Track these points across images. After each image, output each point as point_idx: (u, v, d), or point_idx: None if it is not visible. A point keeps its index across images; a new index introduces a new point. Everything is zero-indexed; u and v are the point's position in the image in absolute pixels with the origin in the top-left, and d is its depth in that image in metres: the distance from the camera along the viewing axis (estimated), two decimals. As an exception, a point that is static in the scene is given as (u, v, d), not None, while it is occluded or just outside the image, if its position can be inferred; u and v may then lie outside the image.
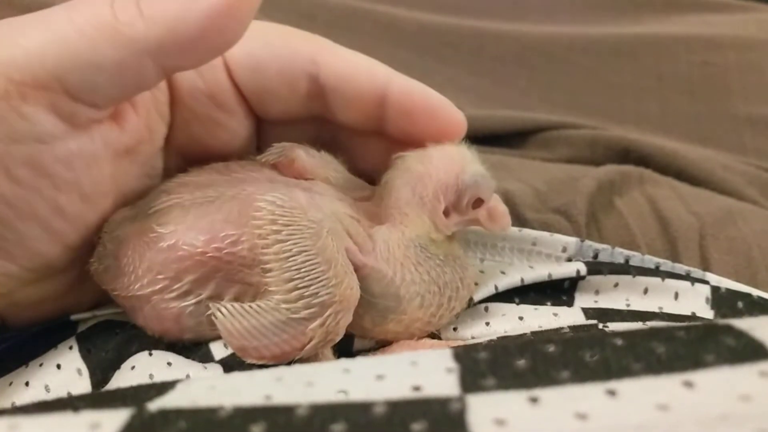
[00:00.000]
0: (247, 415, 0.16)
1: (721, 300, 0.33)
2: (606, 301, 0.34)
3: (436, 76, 0.69)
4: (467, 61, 0.72)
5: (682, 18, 0.80)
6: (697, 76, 0.70)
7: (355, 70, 0.32)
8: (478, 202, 0.31)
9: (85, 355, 0.30)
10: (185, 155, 0.33)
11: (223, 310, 0.27)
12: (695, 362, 0.16)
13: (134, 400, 0.17)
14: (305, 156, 0.31)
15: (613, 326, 0.30)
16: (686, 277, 0.34)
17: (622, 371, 0.16)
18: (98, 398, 0.18)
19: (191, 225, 0.28)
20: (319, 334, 0.26)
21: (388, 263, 0.29)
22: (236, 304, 0.27)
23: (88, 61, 0.25)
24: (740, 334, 0.17)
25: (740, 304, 0.33)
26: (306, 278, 0.26)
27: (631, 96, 0.69)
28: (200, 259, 0.27)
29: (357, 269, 0.28)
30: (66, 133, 0.26)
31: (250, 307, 0.27)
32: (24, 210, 0.27)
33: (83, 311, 0.32)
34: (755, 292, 0.34)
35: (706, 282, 0.34)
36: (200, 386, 0.18)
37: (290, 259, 0.26)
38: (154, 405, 0.16)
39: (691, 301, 0.33)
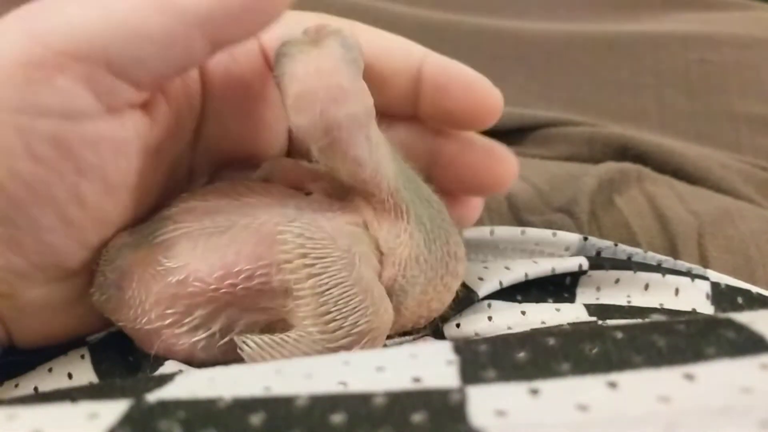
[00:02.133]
0: (246, 405, 0.16)
1: (721, 295, 0.34)
2: (607, 298, 0.34)
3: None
4: (465, 58, 0.71)
5: (679, 16, 0.80)
6: (695, 74, 0.70)
7: (392, 48, 0.31)
8: None
9: (98, 368, 0.29)
10: (214, 157, 0.31)
11: (251, 343, 0.26)
12: (696, 355, 0.16)
13: (133, 391, 0.17)
14: (295, 165, 0.30)
15: (613, 323, 0.30)
16: (687, 273, 0.34)
17: (623, 364, 0.16)
18: (96, 389, 0.18)
19: (202, 259, 0.26)
20: None
21: (395, 267, 0.28)
22: (265, 337, 0.26)
23: (137, 30, 0.23)
24: (740, 328, 0.17)
25: (740, 300, 0.33)
26: (344, 310, 0.25)
27: (628, 93, 0.69)
28: (212, 295, 0.26)
29: None
30: (98, 113, 0.24)
31: (282, 339, 0.25)
32: (41, 193, 0.24)
33: (94, 327, 0.30)
34: (754, 289, 0.34)
35: (706, 278, 0.34)
36: (199, 378, 0.18)
37: (326, 292, 0.25)
38: (153, 396, 0.16)
39: (692, 296, 0.34)
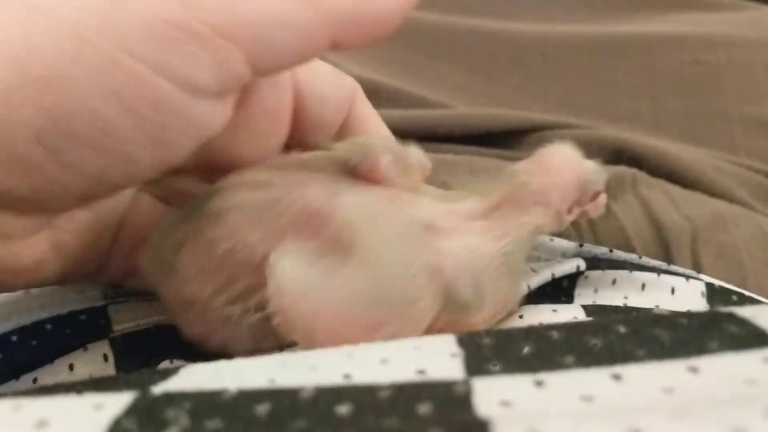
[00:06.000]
0: (251, 396, 0.16)
1: (716, 294, 0.34)
2: (604, 299, 0.34)
3: (430, 74, 0.69)
4: (461, 59, 0.72)
5: (675, 17, 0.81)
6: (690, 75, 0.70)
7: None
8: (595, 194, 0.31)
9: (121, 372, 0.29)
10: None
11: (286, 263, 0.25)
12: (699, 349, 0.16)
13: (138, 383, 0.17)
14: (391, 165, 0.28)
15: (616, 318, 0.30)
16: (681, 274, 0.35)
17: (627, 356, 0.16)
18: (101, 382, 0.18)
19: (251, 230, 0.26)
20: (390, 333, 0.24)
21: (469, 270, 0.27)
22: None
23: (283, 20, 0.22)
24: (743, 322, 0.17)
25: (734, 298, 0.34)
26: (395, 287, 0.24)
27: (623, 94, 0.69)
28: (257, 266, 0.25)
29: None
30: (208, 95, 0.23)
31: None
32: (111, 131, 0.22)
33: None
34: (747, 293, 0.35)
35: (700, 280, 0.35)
36: (204, 371, 0.18)
37: (381, 271, 0.24)
38: (158, 388, 0.16)
39: (687, 295, 0.34)
